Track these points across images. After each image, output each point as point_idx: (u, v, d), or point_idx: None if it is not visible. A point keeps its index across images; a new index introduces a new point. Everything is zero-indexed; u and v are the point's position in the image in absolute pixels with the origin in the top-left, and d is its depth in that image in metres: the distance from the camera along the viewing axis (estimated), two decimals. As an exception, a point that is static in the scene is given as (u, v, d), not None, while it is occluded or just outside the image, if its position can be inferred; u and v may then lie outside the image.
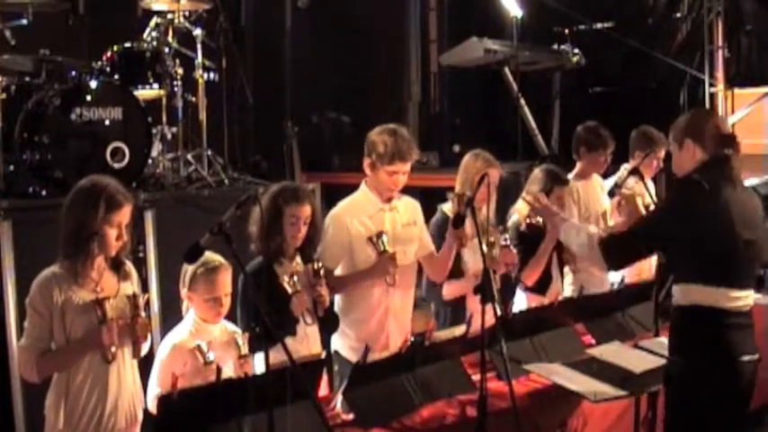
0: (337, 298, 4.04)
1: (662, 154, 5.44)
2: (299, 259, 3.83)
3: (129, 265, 3.39)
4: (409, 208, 4.20)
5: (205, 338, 3.45)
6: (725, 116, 7.79)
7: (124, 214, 3.21)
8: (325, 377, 3.75)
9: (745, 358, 3.24)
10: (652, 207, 5.00)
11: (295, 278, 3.65)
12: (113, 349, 3.17)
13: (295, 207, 3.73)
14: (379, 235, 3.94)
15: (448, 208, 4.46)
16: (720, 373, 3.23)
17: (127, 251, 3.33)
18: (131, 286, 3.33)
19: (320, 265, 3.75)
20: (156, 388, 3.41)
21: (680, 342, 3.33)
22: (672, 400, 3.38)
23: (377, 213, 4.05)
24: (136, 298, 3.22)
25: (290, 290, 3.62)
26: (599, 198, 5.25)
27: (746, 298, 3.28)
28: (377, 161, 3.97)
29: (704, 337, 3.26)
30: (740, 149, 3.38)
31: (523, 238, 4.67)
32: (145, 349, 3.34)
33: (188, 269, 3.51)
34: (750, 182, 6.98)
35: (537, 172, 4.83)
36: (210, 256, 3.38)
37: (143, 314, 3.24)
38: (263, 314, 2.92)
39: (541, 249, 4.59)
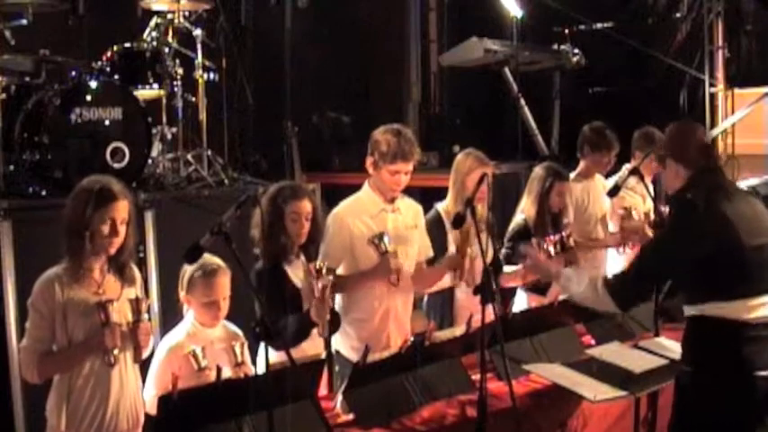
0: (338, 297, 4.05)
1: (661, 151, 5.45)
2: (303, 258, 3.83)
3: (135, 270, 3.38)
4: (412, 210, 4.21)
5: (202, 341, 3.45)
6: (724, 117, 7.82)
7: (117, 209, 3.19)
8: (325, 377, 3.76)
9: (761, 373, 3.11)
10: (652, 212, 5.03)
11: (321, 284, 3.60)
12: (116, 352, 3.16)
13: (295, 204, 3.74)
14: (381, 236, 3.94)
15: (443, 207, 4.48)
16: (733, 389, 3.13)
17: (130, 252, 3.32)
18: (135, 291, 3.32)
19: (329, 279, 3.65)
20: (152, 389, 3.41)
21: (692, 352, 3.25)
22: (680, 408, 3.31)
23: (379, 213, 4.05)
24: (139, 302, 3.21)
25: (316, 293, 3.58)
26: (600, 198, 5.25)
27: (765, 305, 3.16)
28: (379, 160, 3.98)
29: (718, 349, 3.15)
30: (719, 157, 3.33)
31: (523, 239, 4.68)
32: (146, 353, 3.34)
33: (186, 271, 3.50)
34: (750, 182, 6.98)
35: (537, 169, 4.86)
36: (209, 258, 3.37)
37: (146, 318, 3.23)
38: (266, 318, 2.92)
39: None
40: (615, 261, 5.27)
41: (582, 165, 5.34)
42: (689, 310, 3.22)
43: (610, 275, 3.40)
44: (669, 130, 3.43)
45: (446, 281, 4.34)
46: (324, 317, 3.59)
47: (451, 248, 4.35)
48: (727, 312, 3.12)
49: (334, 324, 3.86)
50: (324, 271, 3.64)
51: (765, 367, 3.14)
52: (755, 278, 3.18)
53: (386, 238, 3.94)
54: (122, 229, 3.23)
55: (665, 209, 5.16)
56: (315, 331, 3.72)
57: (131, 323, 3.19)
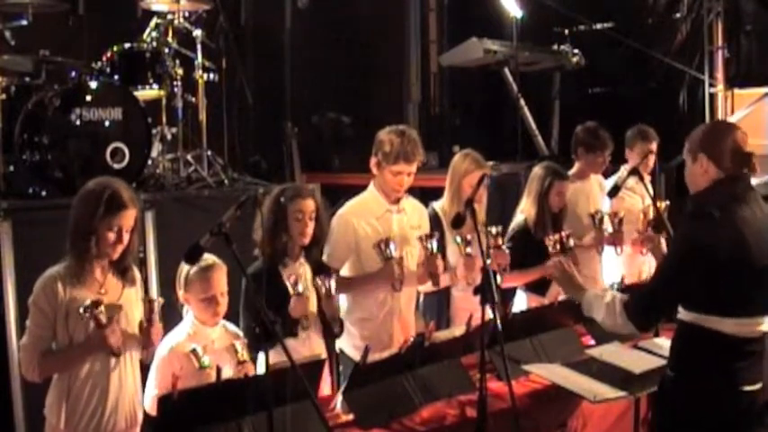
0: (342, 297, 4.05)
1: (654, 147, 5.45)
2: (302, 259, 3.82)
3: (135, 270, 3.39)
4: (417, 211, 4.23)
5: (203, 341, 3.45)
6: (724, 118, 7.80)
7: (125, 218, 3.20)
8: (327, 377, 3.76)
9: (746, 388, 3.06)
10: (651, 208, 5.02)
11: (299, 281, 3.61)
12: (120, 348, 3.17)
13: (299, 202, 3.73)
14: (387, 242, 3.94)
15: (439, 206, 4.49)
16: (717, 400, 3.07)
17: (133, 256, 3.33)
18: (136, 291, 3.33)
19: (328, 284, 3.67)
20: (153, 389, 3.41)
21: (679, 358, 3.19)
22: (660, 413, 3.29)
23: (384, 215, 4.06)
24: (152, 303, 3.21)
25: (291, 291, 3.61)
26: (596, 199, 5.25)
27: (761, 324, 3.09)
28: (382, 160, 3.99)
29: (706, 359, 3.09)
30: (756, 168, 3.15)
31: (523, 239, 4.69)
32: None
33: (182, 270, 3.51)
34: (750, 182, 6.98)
35: (537, 169, 4.86)
36: (204, 255, 3.37)
37: (158, 319, 3.23)
38: (263, 315, 2.92)
39: (532, 271, 4.62)
40: (611, 262, 5.26)
41: (577, 166, 5.33)
42: (683, 314, 3.15)
43: (626, 298, 3.25)
44: (705, 126, 3.27)
45: (444, 280, 4.35)
46: (302, 311, 3.61)
47: (451, 247, 4.37)
48: (720, 327, 3.05)
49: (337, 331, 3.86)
50: (332, 290, 3.66)
51: (752, 382, 3.08)
52: (758, 300, 3.09)
53: (392, 245, 3.94)
54: (127, 237, 3.23)
55: (662, 204, 5.18)
56: (313, 334, 3.73)
57: (145, 322, 3.20)
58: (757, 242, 3.05)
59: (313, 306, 3.74)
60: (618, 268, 5.16)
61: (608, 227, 5.12)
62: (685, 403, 3.13)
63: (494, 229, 4.32)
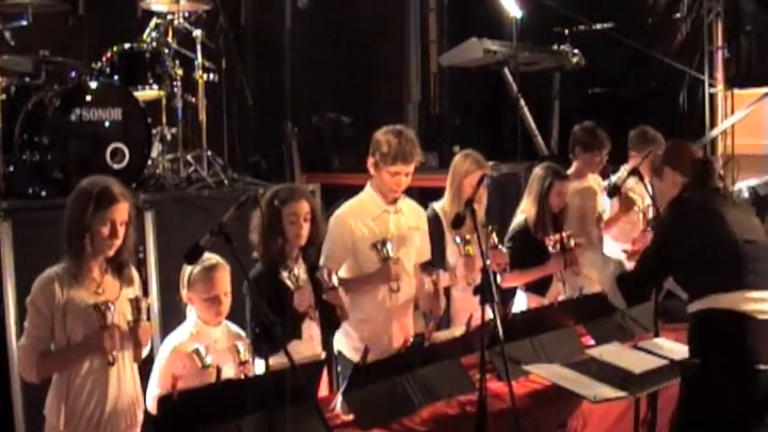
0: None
1: (659, 151, 5.44)
2: (300, 260, 3.82)
3: (133, 270, 3.39)
4: (414, 211, 4.22)
5: (206, 341, 3.45)
6: (724, 118, 7.86)
7: (117, 211, 3.20)
8: (326, 378, 3.76)
9: (762, 367, 3.17)
10: (651, 208, 5.03)
11: (296, 272, 3.63)
12: (115, 353, 3.17)
13: (292, 205, 3.72)
14: (384, 242, 3.94)
15: (439, 206, 4.49)
16: (734, 381, 3.18)
17: (129, 252, 3.33)
18: (134, 291, 3.33)
19: (332, 277, 3.71)
20: (155, 389, 3.41)
21: (698, 345, 3.34)
22: (685, 400, 3.38)
23: (381, 215, 4.05)
24: (139, 302, 3.21)
25: (291, 286, 3.61)
26: (593, 200, 5.25)
27: (765, 301, 3.24)
28: (380, 161, 3.98)
29: (720, 340, 3.24)
30: (712, 172, 3.58)
31: (523, 239, 4.69)
32: (145, 352, 3.34)
33: (186, 270, 3.51)
34: (750, 182, 7.01)
35: (537, 169, 4.86)
36: (207, 254, 3.37)
37: (145, 318, 3.23)
38: (264, 318, 2.92)
39: (533, 271, 4.62)
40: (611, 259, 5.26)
41: (574, 165, 5.33)
42: (692, 307, 3.31)
43: (622, 273, 3.76)
44: (666, 145, 3.79)
45: (444, 280, 4.35)
46: (307, 303, 3.64)
47: (450, 247, 4.37)
48: (727, 303, 3.20)
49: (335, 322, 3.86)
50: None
51: (766, 361, 3.18)
52: (750, 271, 3.27)
53: (389, 245, 3.94)
54: (122, 231, 3.23)
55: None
56: (314, 334, 3.73)
57: (131, 322, 3.19)
58: (737, 222, 3.33)
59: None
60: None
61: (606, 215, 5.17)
62: (708, 388, 3.25)
63: (488, 228, 4.32)
